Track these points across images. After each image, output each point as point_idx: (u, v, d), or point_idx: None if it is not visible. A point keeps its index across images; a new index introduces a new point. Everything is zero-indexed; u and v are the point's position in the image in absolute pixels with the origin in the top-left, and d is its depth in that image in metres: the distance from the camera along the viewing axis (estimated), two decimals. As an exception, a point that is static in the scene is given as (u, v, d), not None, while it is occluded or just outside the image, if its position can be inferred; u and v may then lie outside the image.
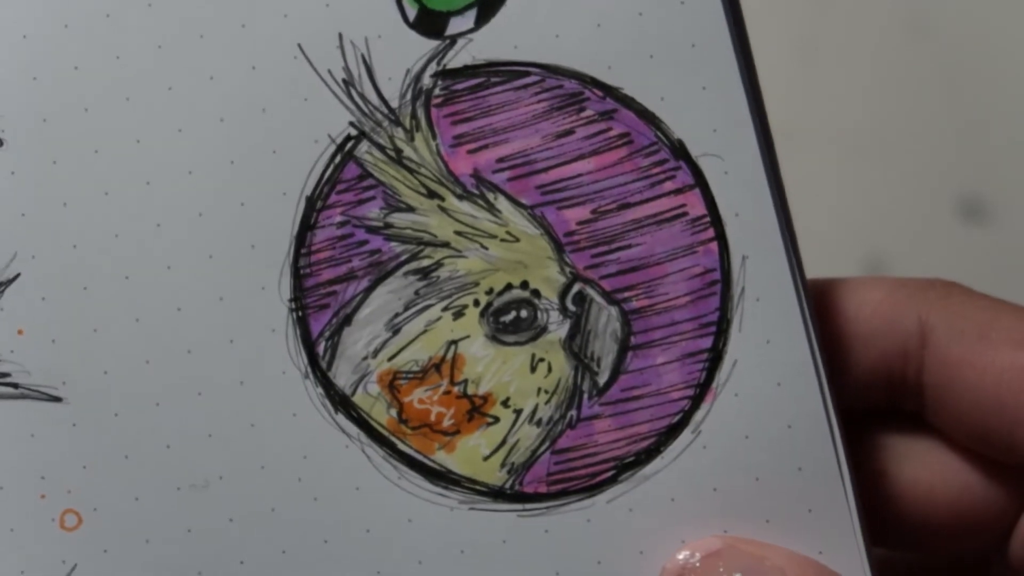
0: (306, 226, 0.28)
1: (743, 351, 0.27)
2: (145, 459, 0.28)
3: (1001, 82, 0.43)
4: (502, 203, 0.28)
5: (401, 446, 0.28)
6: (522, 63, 0.27)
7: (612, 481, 0.28)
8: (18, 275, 0.28)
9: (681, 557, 0.27)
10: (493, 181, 0.28)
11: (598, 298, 0.28)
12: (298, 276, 0.28)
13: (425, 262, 0.28)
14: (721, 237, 0.27)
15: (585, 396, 0.28)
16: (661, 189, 0.28)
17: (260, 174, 0.28)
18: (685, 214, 0.28)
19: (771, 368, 0.27)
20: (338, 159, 0.28)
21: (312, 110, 0.28)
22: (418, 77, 0.28)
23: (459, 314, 0.28)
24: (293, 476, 0.28)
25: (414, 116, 0.28)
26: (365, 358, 0.28)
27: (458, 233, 0.28)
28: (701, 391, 0.27)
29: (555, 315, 0.28)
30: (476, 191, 0.28)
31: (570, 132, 0.28)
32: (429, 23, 0.28)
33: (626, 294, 0.28)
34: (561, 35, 0.27)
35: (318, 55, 0.28)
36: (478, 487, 0.28)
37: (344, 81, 0.28)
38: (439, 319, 0.28)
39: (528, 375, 0.28)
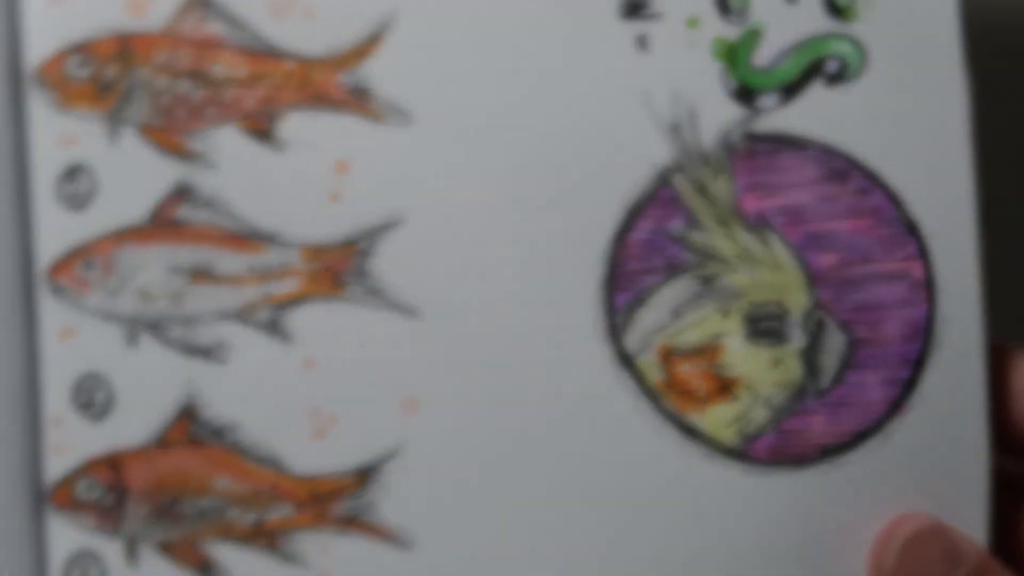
0: (625, 228, 0.37)
1: (934, 386, 0.36)
2: (472, 367, 0.37)
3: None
4: (774, 240, 0.37)
5: (665, 403, 0.37)
6: (808, 139, 0.37)
7: (817, 461, 0.37)
8: (402, 221, 0.37)
9: (899, 528, 0.36)
10: (771, 223, 0.37)
11: (833, 325, 0.37)
12: (613, 263, 0.37)
13: (708, 271, 0.37)
14: (932, 300, 0.37)
15: (808, 395, 0.37)
16: (894, 255, 0.37)
17: (597, 185, 0.37)
18: (909, 276, 0.37)
19: (951, 407, 0.36)
20: (658, 183, 0.37)
21: (644, 142, 0.37)
22: (729, 133, 0.37)
23: (726, 315, 0.37)
24: (577, 409, 0.37)
25: (720, 162, 0.37)
26: (650, 332, 0.37)
27: (737, 256, 0.37)
28: (895, 407, 0.37)
29: (798, 331, 0.37)
30: (756, 227, 0.37)
31: (834, 198, 0.37)
32: (744, 95, 0.37)
33: (854, 326, 0.37)
34: (841, 124, 0.37)
35: (659, 104, 0.37)
36: (716, 445, 0.37)
37: (673, 126, 0.37)
38: (711, 316, 0.37)
39: (769, 370, 0.37)
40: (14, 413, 0.39)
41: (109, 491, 0.39)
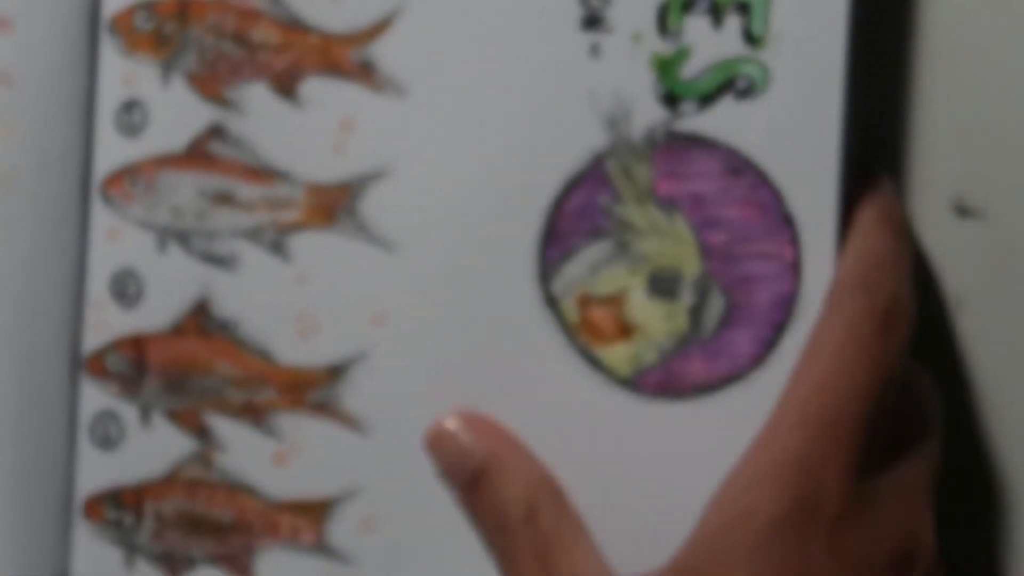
0: (563, 196, 0.46)
1: (792, 347, 0.46)
2: (433, 293, 0.46)
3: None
4: (678, 218, 0.46)
5: (577, 338, 0.46)
6: (716, 140, 0.46)
7: (692, 396, 0.46)
8: (389, 172, 0.47)
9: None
10: (678, 204, 0.46)
11: (717, 290, 0.46)
12: (549, 223, 0.46)
13: (623, 238, 0.46)
14: (797, 279, 0.46)
15: (691, 343, 0.46)
16: (772, 239, 0.46)
17: (545, 159, 0.46)
18: (782, 257, 0.46)
19: None
20: (593, 163, 0.46)
21: (586, 130, 0.46)
22: (654, 130, 0.46)
23: (634, 273, 0.46)
24: (509, 335, 0.46)
25: (644, 152, 0.46)
26: (572, 281, 0.46)
27: (648, 228, 0.46)
28: (760, 360, 0.46)
29: (688, 292, 0.46)
30: (666, 206, 0.46)
31: (731, 189, 0.46)
32: (670, 100, 0.47)
33: (733, 292, 0.46)
34: (743, 131, 0.46)
35: (601, 100, 0.46)
36: (614, 376, 0.46)
37: (610, 119, 0.46)
38: (621, 273, 0.46)
39: (663, 320, 0.46)
40: (65, 295, 0.48)
41: (132, 365, 0.48)
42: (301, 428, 0.47)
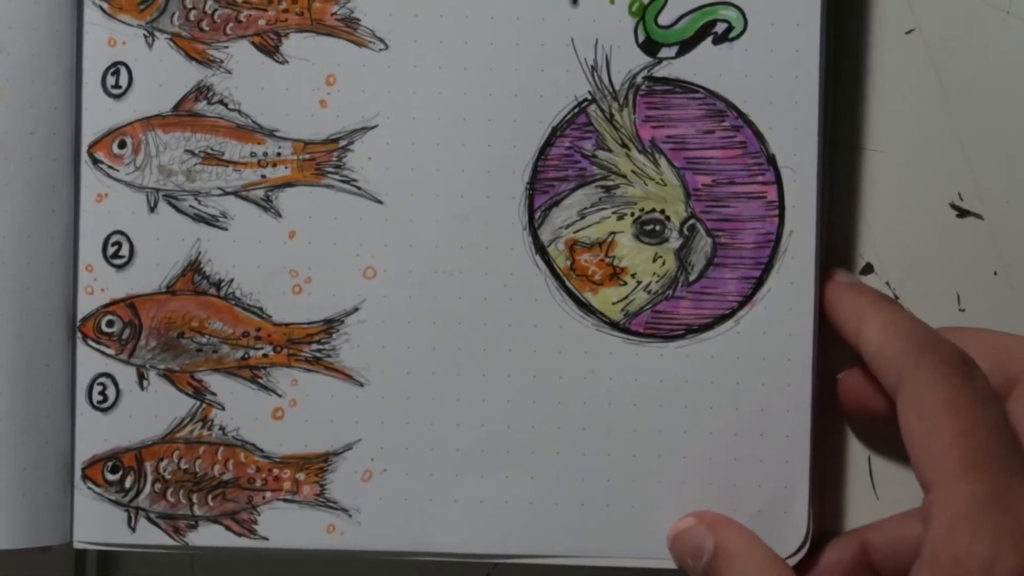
0: (548, 144, 0.47)
1: (777, 285, 0.47)
2: (422, 246, 0.47)
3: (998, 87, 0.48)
4: (662, 161, 0.47)
5: (567, 283, 0.47)
6: (696, 84, 0.47)
7: (681, 337, 0.47)
8: (376, 126, 0.47)
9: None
10: (660, 148, 0.47)
11: (702, 230, 0.47)
12: (536, 171, 0.47)
13: (609, 183, 0.47)
14: (782, 217, 0.47)
15: (680, 285, 0.47)
16: (755, 179, 0.47)
17: (530, 108, 0.47)
18: (765, 197, 0.47)
19: (789, 304, 0.47)
20: (576, 110, 0.47)
21: (568, 78, 0.47)
22: (635, 76, 0.47)
23: (620, 217, 0.47)
24: (500, 283, 0.47)
25: (626, 97, 0.47)
26: (560, 227, 0.47)
27: (633, 171, 0.47)
28: (746, 300, 0.47)
29: (675, 233, 0.47)
30: (650, 150, 0.47)
31: (712, 132, 0.47)
32: (649, 47, 0.47)
33: (719, 233, 0.47)
34: (722, 75, 0.47)
35: (583, 49, 0.47)
36: (605, 319, 0.47)
37: (592, 67, 0.47)
38: (608, 218, 0.47)
39: (650, 263, 0.47)
40: (60, 260, 0.49)
41: (126, 326, 0.49)
42: (298, 383, 0.48)
